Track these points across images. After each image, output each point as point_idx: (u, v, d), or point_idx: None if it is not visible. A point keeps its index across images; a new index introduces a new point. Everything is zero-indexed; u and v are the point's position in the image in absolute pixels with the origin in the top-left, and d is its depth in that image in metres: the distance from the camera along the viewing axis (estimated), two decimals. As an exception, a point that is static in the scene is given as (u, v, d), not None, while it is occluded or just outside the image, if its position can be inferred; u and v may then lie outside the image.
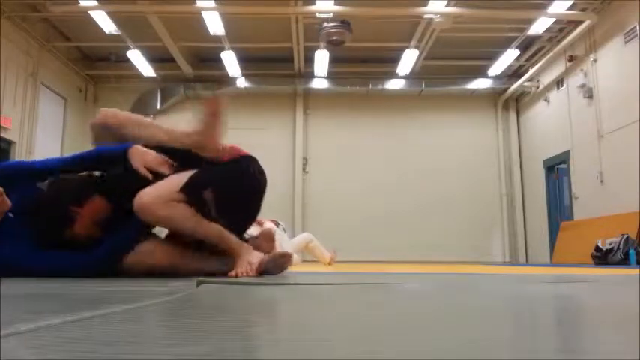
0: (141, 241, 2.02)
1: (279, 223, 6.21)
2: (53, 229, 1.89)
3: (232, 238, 2.07)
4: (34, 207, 1.89)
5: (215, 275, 2.11)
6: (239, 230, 2.19)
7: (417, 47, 9.39)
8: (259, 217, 5.85)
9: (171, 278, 1.85)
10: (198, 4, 7.90)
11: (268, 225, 5.86)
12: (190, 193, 1.96)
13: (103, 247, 1.94)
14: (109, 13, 8.19)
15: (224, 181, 2.10)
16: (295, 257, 5.98)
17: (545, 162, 10.01)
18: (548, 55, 9.18)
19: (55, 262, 1.87)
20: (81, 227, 1.90)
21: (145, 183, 1.96)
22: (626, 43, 7.46)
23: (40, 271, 1.82)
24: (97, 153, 2.09)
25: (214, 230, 2.02)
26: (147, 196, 1.91)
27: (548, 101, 9.86)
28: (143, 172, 1.96)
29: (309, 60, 10.03)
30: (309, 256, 6.95)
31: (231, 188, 2.11)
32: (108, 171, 2.04)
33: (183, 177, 1.99)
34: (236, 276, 1.91)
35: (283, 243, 5.88)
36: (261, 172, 2.23)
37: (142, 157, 1.98)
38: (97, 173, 2.08)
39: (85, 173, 2.06)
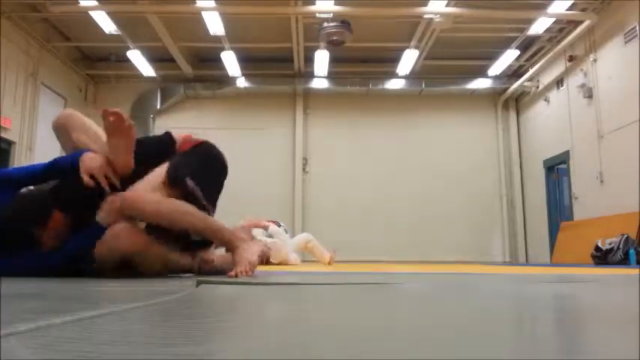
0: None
1: (281, 223, 6.24)
2: (20, 246, 1.89)
3: (225, 229, 2.03)
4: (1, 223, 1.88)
5: (187, 273, 2.11)
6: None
7: (417, 47, 9.39)
8: (262, 220, 5.86)
9: (157, 277, 1.85)
10: (198, 4, 7.91)
11: (271, 226, 5.89)
12: (174, 182, 1.94)
13: (62, 252, 1.90)
14: (109, 13, 8.20)
15: (199, 163, 2.08)
16: (295, 257, 6.01)
17: (545, 162, 10.01)
18: (548, 55, 9.18)
19: (16, 264, 1.87)
20: (46, 244, 1.90)
21: (98, 191, 1.89)
22: (626, 43, 7.47)
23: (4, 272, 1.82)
24: (53, 162, 2.04)
25: (208, 222, 1.99)
26: (136, 192, 1.89)
27: (548, 101, 9.86)
28: (86, 179, 1.88)
29: (309, 60, 10.04)
30: (308, 256, 6.95)
31: (207, 170, 2.11)
32: (63, 180, 1.98)
33: (161, 171, 1.96)
34: (236, 276, 1.90)
35: (284, 243, 5.89)
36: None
37: (87, 165, 1.91)
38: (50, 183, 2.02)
39: (48, 184, 2.01)
